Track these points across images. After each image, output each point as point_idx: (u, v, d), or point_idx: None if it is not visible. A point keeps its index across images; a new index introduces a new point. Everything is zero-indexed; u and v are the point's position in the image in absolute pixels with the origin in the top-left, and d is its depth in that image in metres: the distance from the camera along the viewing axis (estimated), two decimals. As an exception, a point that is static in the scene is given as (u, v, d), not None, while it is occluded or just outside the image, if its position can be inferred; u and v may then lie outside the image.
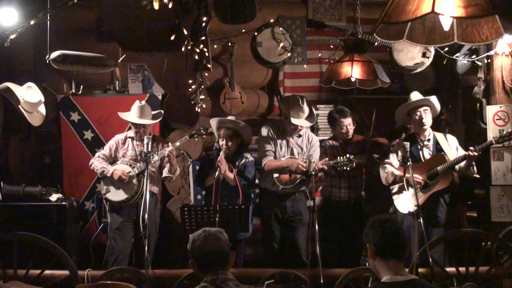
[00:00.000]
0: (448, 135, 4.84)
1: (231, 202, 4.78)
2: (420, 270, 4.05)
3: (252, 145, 5.52)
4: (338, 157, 4.83)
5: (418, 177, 4.61)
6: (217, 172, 4.70)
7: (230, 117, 5.22)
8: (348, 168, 4.79)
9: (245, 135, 5.06)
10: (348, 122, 5.06)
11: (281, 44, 5.36)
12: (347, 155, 4.77)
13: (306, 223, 5.06)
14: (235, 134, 4.96)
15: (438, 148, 4.73)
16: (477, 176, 4.69)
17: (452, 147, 4.72)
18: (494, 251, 4.50)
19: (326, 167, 4.80)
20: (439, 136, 4.79)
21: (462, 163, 4.56)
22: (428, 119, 4.74)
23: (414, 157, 4.73)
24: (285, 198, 4.98)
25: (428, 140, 4.78)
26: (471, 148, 4.44)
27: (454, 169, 4.65)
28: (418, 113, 4.73)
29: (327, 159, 4.88)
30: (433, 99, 4.75)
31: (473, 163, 4.54)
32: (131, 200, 4.90)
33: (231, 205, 4.49)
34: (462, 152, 4.60)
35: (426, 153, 4.76)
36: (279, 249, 5.01)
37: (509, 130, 4.60)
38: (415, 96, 4.83)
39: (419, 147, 4.77)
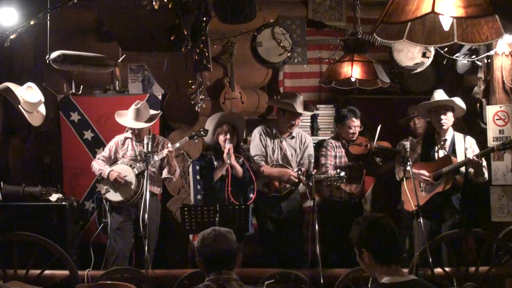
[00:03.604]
0: (467, 137, 4.79)
1: (238, 197, 4.85)
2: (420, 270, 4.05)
3: (249, 145, 5.53)
4: (329, 172, 4.88)
5: (425, 173, 4.61)
6: (228, 161, 4.73)
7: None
8: (338, 184, 4.82)
9: (241, 129, 5.11)
10: (358, 123, 5.08)
11: (281, 44, 5.36)
12: (338, 171, 4.80)
13: (301, 223, 5.07)
14: (234, 128, 5.00)
15: (453, 149, 4.72)
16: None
17: (468, 149, 4.69)
18: (494, 251, 4.50)
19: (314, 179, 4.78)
20: (458, 136, 4.76)
21: (472, 169, 4.55)
22: (447, 120, 4.70)
23: (428, 155, 4.73)
24: (281, 199, 4.99)
25: (445, 140, 4.76)
26: (473, 156, 4.44)
27: (460, 173, 4.63)
28: (439, 113, 4.71)
29: (315, 170, 4.86)
30: (457, 100, 4.70)
31: (483, 169, 4.53)
32: (130, 201, 4.92)
33: (232, 205, 4.50)
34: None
35: (441, 153, 4.75)
36: (276, 250, 5.02)
37: (510, 136, 4.62)
38: (439, 95, 4.80)
39: (436, 147, 4.76)
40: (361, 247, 2.32)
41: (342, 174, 4.74)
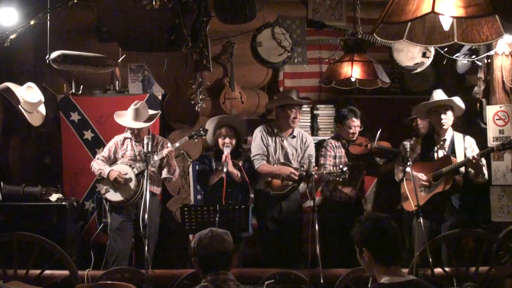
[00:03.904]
0: (467, 137, 4.78)
1: (235, 199, 4.81)
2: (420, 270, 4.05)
3: (249, 145, 5.53)
4: (331, 168, 4.87)
5: (423, 178, 4.61)
6: (224, 169, 4.67)
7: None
8: (340, 179, 4.80)
9: (242, 131, 5.09)
10: (358, 123, 5.08)
11: (281, 44, 5.36)
12: (340, 166, 4.77)
13: (302, 223, 5.07)
14: (235, 131, 4.98)
15: (453, 149, 4.72)
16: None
17: (468, 149, 4.69)
18: (494, 251, 4.50)
19: (316, 176, 4.77)
20: (458, 136, 4.75)
21: (471, 170, 4.55)
22: (448, 120, 4.69)
23: (428, 155, 4.73)
24: (281, 199, 4.99)
25: (444, 140, 4.76)
26: (472, 155, 4.44)
27: (459, 173, 4.62)
28: (439, 112, 4.70)
29: (316, 168, 4.86)
30: (456, 99, 4.69)
31: (483, 169, 4.53)
32: (130, 200, 4.91)
33: (231, 205, 4.50)
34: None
35: (441, 153, 4.75)
36: (276, 250, 5.02)
37: (510, 136, 4.61)
38: (438, 95, 4.79)
39: (435, 147, 4.76)
40: (362, 246, 2.32)
41: (345, 169, 4.73)
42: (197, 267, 2.60)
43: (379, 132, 5.04)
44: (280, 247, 5.01)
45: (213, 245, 2.55)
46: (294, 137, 5.12)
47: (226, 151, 4.78)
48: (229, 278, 2.53)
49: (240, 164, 4.89)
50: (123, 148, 5.09)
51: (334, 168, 4.82)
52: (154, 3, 3.27)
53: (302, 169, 4.84)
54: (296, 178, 4.86)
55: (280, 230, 5.01)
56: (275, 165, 5.01)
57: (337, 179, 4.81)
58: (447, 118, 4.69)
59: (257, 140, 5.07)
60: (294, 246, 5.01)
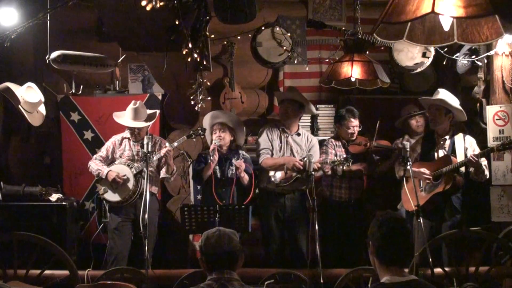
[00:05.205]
0: (467, 136, 4.78)
1: (229, 199, 4.84)
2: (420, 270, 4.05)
3: (252, 145, 5.53)
4: (335, 156, 4.87)
5: (426, 172, 4.61)
6: (211, 157, 4.79)
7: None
8: (344, 168, 4.81)
9: (238, 130, 5.08)
10: (356, 123, 5.09)
11: (281, 44, 5.36)
12: (343, 156, 4.79)
13: (305, 223, 5.07)
14: (228, 127, 5.00)
15: (453, 148, 4.72)
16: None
17: (469, 149, 4.69)
18: (494, 251, 4.50)
19: (320, 165, 4.79)
20: (458, 136, 4.75)
21: (472, 168, 4.55)
22: (437, 120, 4.71)
23: (428, 155, 4.73)
24: (284, 198, 4.99)
25: (444, 139, 4.76)
26: (472, 155, 4.44)
27: (460, 172, 4.62)
28: (431, 110, 4.74)
29: (321, 158, 4.88)
30: (450, 100, 4.68)
31: (484, 168, 4.53)
32: (128, 200, 4.90)
33: (231, 205, 4.50)
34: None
35: (441, 153, 4.75)
36: (278, 249, 5.02)
37: (510, 136, 4.61)
38: (437, 93, 4.80)
39: (435, 147, 4.76)
40: (369, 240, 2.37)
41: (349, 156, 4.77)
42: (203, 266, 2.61)
43: (377, 124, 5.03)
44: (283, 246, 5.01)
45: (219, 244, 2.56)
46: (299, 134, 5.15)
47: (214, 143, 4.87)
48: (234, 278, 2.55)
49: (241, 161, 4.91)
50: (121, 148, 5.08)
51: (337, 157, 4.85)
52: (154, 3, 3.27)
53: (305, 159, 4.85)
54: (301, 167, 4.85)
55: (283, 229, 5.01)
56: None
57: (341, 167, 4.83)
58: (437, 116, 4.70)
59: (263, 135, 5.10)
60: (297, 245, 5.00)
